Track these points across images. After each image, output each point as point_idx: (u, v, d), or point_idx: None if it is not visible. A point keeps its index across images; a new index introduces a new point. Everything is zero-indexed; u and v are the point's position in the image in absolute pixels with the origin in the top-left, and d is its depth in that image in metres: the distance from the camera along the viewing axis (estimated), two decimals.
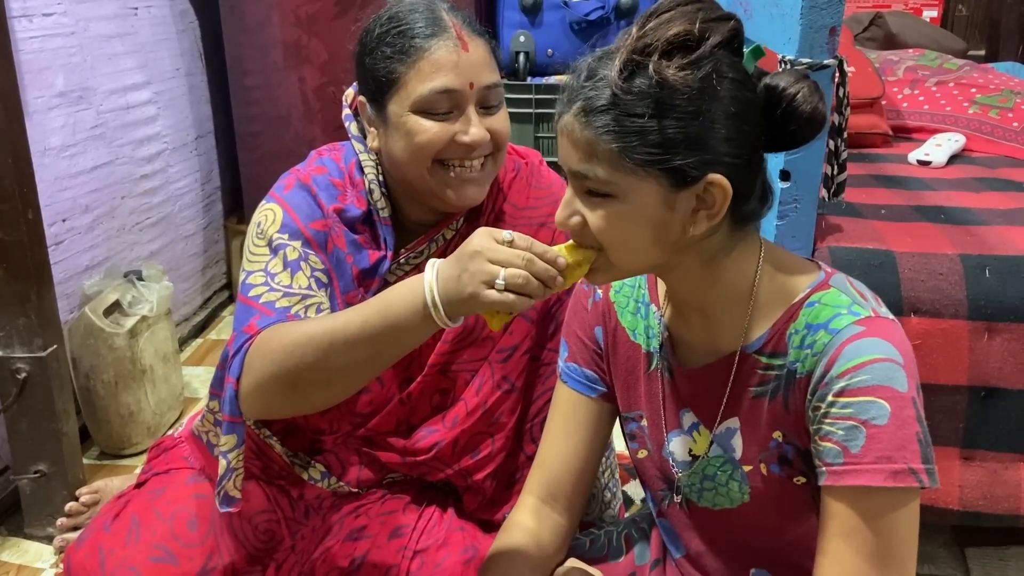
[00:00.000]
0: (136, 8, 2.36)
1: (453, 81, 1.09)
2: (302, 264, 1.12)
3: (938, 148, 2.40)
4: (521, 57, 2.44)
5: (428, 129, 1.11)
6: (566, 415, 1.09)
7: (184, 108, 2.60)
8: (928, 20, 4.02)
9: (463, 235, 1.21)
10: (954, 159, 2.40)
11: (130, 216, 2.31)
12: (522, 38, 2.44)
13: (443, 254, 1.16)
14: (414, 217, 1.22)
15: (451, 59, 1.09)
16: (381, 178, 1.20)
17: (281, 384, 1.00)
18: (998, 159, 2.41)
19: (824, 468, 0.85)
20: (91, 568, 1.15)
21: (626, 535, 1.16)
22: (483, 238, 0.88)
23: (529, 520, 1.06)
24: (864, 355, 0.83)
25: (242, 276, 1.13)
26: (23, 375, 1.65)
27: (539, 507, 1.07)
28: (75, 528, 1.67)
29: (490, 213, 1.24)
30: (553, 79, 2.45)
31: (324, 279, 1.14)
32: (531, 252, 0.87)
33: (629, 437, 1.08)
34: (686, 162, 0.83)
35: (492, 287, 0.85)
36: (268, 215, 1.15)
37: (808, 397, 0.87)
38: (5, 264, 1.62)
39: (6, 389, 1.67)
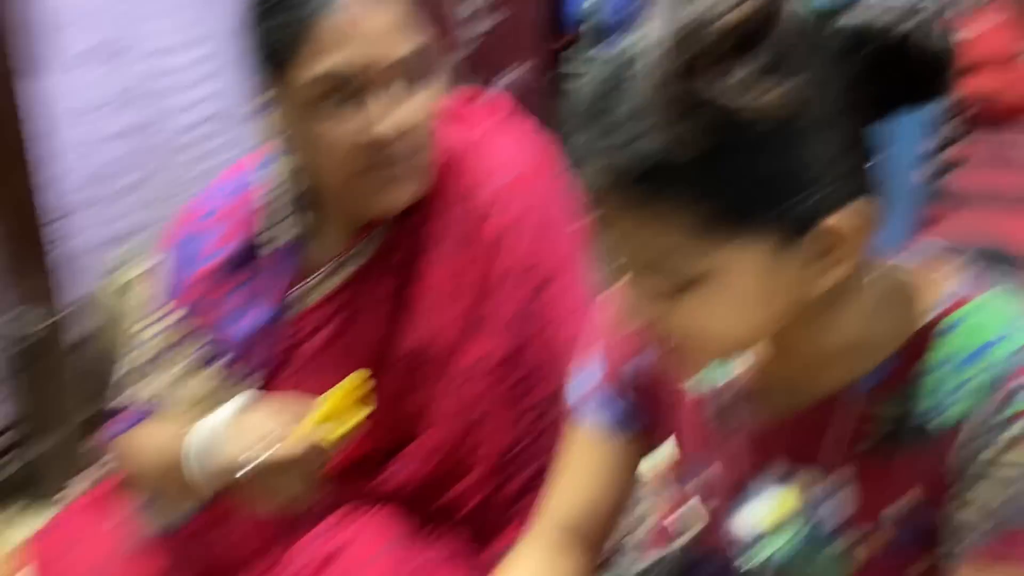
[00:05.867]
0: None
1: (348, 59, 0.88)
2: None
3: None
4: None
5: (324, 134, 0.91)
6: (590, 446, 0.93)
7: (237, 73, 2.51)
8: None
9: (390, 242, 1.03)
10: None
11: (165, 188, 2.23)
12: None
13: (369, 267, 1.04)
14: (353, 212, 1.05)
15: (345, 32, 0.88)
16: (290, 193, 1.04)
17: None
18: None
19: (975, 536, 0.68)
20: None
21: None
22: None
23: (537, 567, 0.91)
24: None
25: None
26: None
27: (551, 548, 0.92)
28: None
29: (423, 208, 1.03)
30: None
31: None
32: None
33: None
34: (797, 205, 0.62)
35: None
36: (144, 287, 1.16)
37: (957, 450, 0.69)
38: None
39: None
